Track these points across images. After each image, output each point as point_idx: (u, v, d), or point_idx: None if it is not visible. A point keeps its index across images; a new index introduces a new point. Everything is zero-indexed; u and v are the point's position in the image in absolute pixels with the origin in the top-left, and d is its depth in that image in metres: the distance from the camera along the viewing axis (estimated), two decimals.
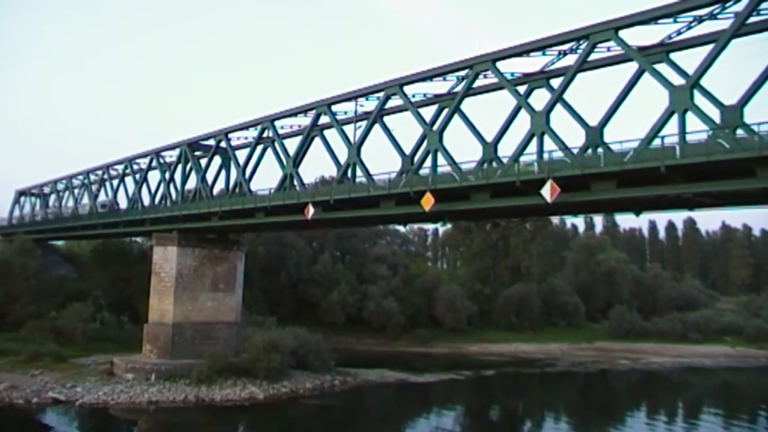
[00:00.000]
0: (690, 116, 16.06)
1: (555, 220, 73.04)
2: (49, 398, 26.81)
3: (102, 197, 43.60)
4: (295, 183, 27.59)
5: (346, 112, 27.31)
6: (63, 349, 33.92)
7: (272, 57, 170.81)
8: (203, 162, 35.27)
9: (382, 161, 25.20)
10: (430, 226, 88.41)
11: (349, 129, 26.05)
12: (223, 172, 36.58)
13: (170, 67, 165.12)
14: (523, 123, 20.02)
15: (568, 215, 28.68)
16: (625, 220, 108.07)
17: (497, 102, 22.47)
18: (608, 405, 36.99)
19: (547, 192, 17.45)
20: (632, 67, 18.12)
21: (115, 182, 44.13)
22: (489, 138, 21.32)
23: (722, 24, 16.64)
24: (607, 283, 68.93)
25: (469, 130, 21.97)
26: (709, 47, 16.36)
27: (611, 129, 18.51)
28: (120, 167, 43.58)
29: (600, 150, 18.06)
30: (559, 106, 19.33)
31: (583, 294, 66.98)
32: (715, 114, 15.75)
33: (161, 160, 38.78)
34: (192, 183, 35.66)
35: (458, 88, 22.66)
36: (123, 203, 40.64)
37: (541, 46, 19.87)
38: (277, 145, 29.86)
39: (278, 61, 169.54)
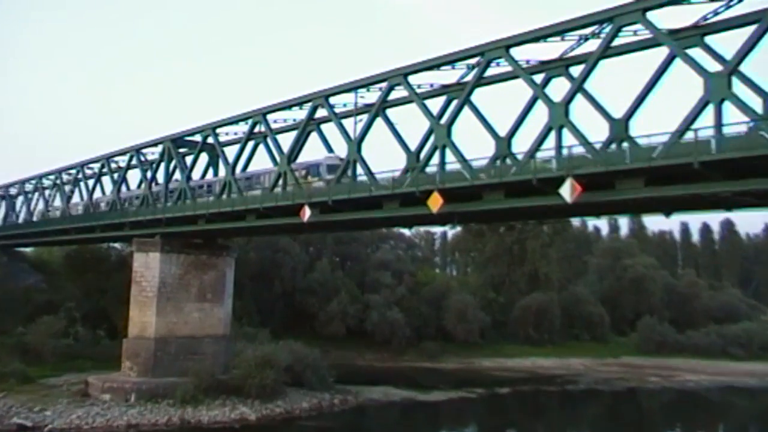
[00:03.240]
0: (728, 106, 15.97)
1: (576, 222, 73.28)
2: (13, 425, 26.57)
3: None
4: (290, 182, 27.65)
5: (345, 105, 27.37)
6: (30, 368, 33.75)
7: (264, 44, 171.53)
8: (188, 159, 35.38)
9: (384, 158, 25.30)
10: (438, 229, 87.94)
11: (348, 123, 26.16)
12: (210, 171, 36.76)
13: (152, 54, 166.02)
14: (540, 115, 20.05)
15: (590, 217, 28.61)
16: (655, 222, 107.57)
17: (511, 92, 22.47)
18: (638, 428, 36.83)
19: (567, 191, 17.43)
20: (662, 52, 18.04)
21: (91, 182, 44.38)
22: (502, 132, 21.30)
23: (766, 1, 16.49)
24: (635, 291, 68.67)
25: (481, 123, 21.98)
26: (750, 29, 16.23)
27: (638, 121, 18.50)
28: (96, 166, 43.76)
29: (626, 144, 18.01)
30: (579, 97, 19.29)
31: (608, 304, 66.86)
32: (757, 104, 15.67)
33: (142, 158, 38.95)
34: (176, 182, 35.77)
35: (468, 78, 22.66)
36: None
37: (560, 30, 19.85)
38: (269, 140, 29.93)
39: (271, 48, 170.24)
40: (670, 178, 16.47)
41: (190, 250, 34.08)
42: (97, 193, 44.17)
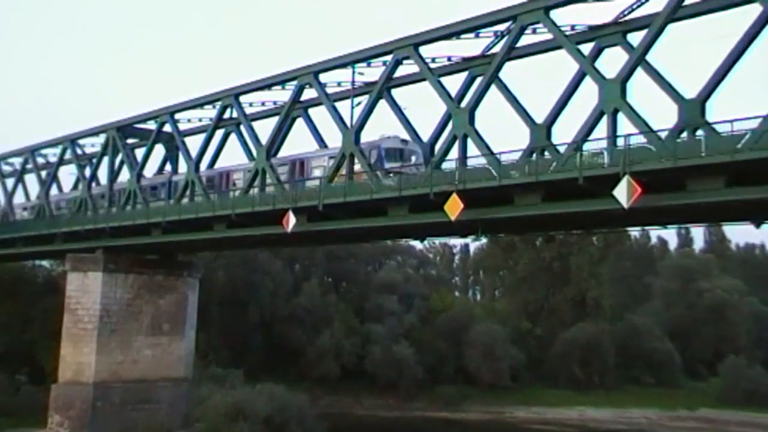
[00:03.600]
0: None
1: (635, 232, 72.85)
2: None
3: None
4: (270, 181, 27.70)
5: (339, 83, 27.42)
6: None
7: (237, 7, 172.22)
8: (140, 153, 35.50)
9: None
10: (457, 242, 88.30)
11: (344, 107, 26.22)
12: (168, 167, 36.85)
13: (92, 21, 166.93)
14: (588, 96, 19.89)
15: (654, 226, 28.44)
16: (740, 233, 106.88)
17: (552, 67, 22.41)
18: None
19: (624, 193, 17.30)
20: (752, 11, 17.93)
21: (10, 182, 44.42)
22: (540, 118, 21.27)
23: None
24: (715, 323, 68.14)
25: (512, 106, 21.94)
26: None
27: (718, 103, 18.40)
28: (17, 160, 43.87)
29: (701, 133, 17.94)
30: (640, 72, 19.22)
31: (678, 338, 66.54)
32: None
33: (79, 151, 39.05)
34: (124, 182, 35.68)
35: (497, 49, 22.62)
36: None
37: None
38: (243, 129, 30.00)
39: (246, 13, 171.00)
40: (760, 176, 16.35)
41: (141, 269, 34.16)
42: (19, 196, 44.29)
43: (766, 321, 72.06)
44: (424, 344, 56.19)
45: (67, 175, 41.99)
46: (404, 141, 25.31)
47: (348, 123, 25.24)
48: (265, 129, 29.55)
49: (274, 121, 29.27)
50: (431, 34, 23.44)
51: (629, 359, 63.12)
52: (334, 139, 26.45)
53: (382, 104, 24.77)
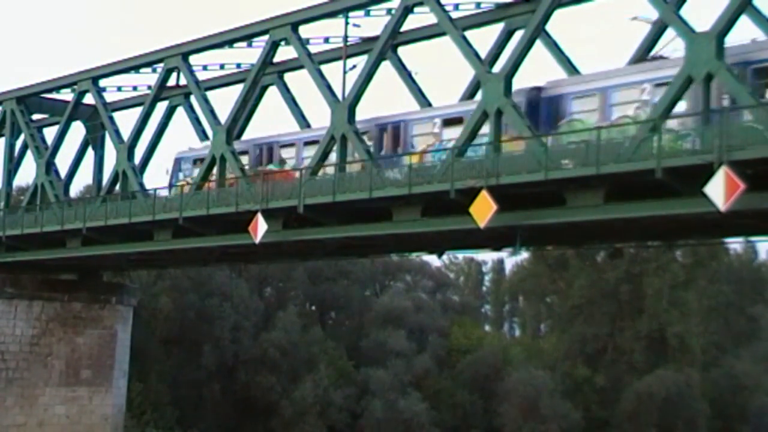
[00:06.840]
0: None
1: (735, 245, 72.65)
2: None
3: None
4: (231, 174, 27.67)
5: (327, 40, 27.62)
6: None
7: None
8: (50, 133, 35.61)
9: None
10: (487, 257, 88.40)
11: (332, 70, 26.29)
12: (90, 153, 36.86)
13: None
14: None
15: (762, 237, 28.34)
16: None
17: (616, 14, 22.46)
18: None
19: (719, 191, 17.21)
20: None
21: None
22: None
23: None
24: None
25: (562, 68, 21.91)
26: None
27: None
28: None
29: None
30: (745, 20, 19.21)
31: None
32: None
33: None
34: (28, 172, 36.11)
35: None
36: None
37: None
38: (194, 100, 30.05)
39: None
40: None
41: (52, 294, 34.19)
42: None
43: None
44: (442, 397, 56.47)
45: None
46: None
47: (338, 93, 25.22)
48: (223, 100, 29.68)
49: (237, 90, 29.17)
50: None
51: (728, 420, 62.99)
52: (320, 115, 26.52)
53: (385, 66, 24.88)
